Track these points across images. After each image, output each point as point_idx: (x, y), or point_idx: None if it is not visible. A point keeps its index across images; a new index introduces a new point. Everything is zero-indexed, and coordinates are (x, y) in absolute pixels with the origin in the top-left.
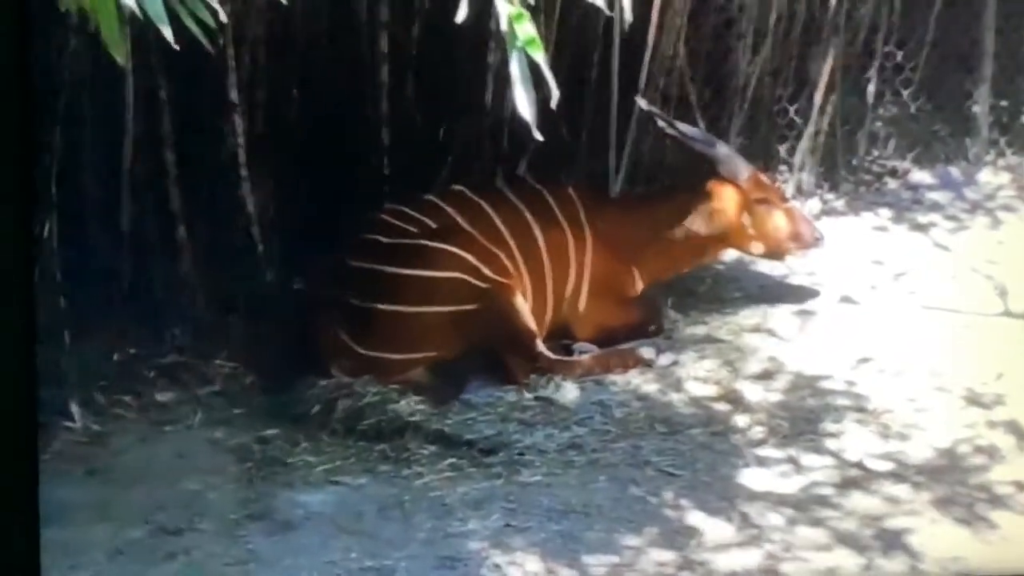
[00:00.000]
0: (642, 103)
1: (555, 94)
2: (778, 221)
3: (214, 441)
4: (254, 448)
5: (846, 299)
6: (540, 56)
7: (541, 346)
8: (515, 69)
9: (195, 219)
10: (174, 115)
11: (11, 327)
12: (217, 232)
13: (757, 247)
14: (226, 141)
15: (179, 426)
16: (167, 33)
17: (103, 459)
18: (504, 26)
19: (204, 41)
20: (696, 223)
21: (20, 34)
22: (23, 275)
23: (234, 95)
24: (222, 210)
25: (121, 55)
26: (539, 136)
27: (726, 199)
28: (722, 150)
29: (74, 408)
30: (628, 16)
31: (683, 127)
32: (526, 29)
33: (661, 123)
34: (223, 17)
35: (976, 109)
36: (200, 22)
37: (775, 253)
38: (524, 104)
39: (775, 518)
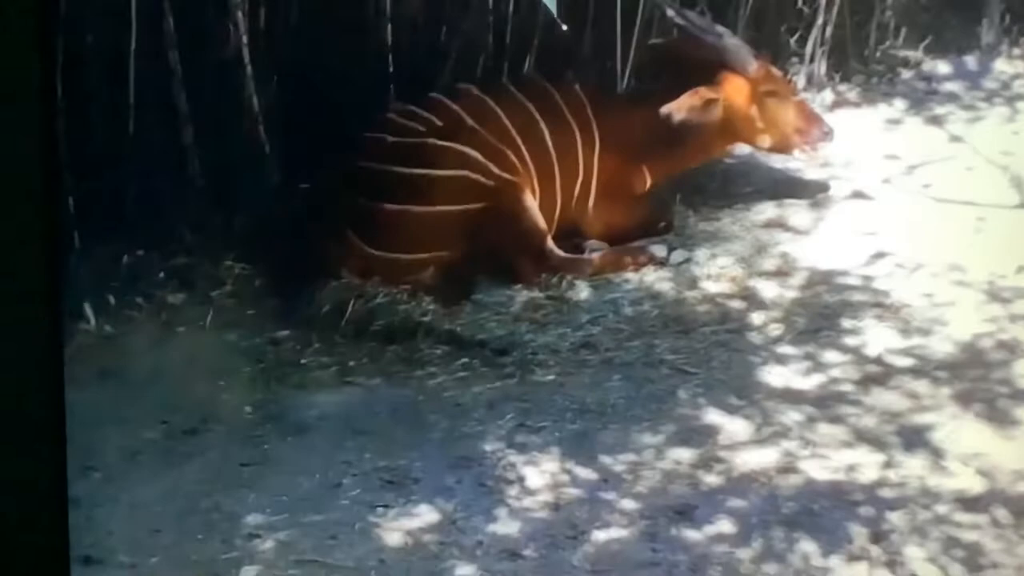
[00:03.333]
0: None
1: None
2: (787, 114)
3: (227, 342)
4: (267, 349)
5: (859, 193)
6: None
7: (551, 244)
8: None
9: (201, 120)
10: (177, 14)
11: (36, 231)
12: (223, 133)
13: (765, 140)
14: (230, 40)
15: (191, 327)
16: None
17: (117, 361)
18: None
19: None
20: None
21: None
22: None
23: None
24: (228, 111)
25: None
26: (564, 26)
27: (735, 91)
28: (731, 41)
29: (88, 310)
30: None
31: (692, 16)
32: None
33: (670, 12)
34: None
35: None
36: None
37: (783, 147)
38: None
39: (794, 415)
